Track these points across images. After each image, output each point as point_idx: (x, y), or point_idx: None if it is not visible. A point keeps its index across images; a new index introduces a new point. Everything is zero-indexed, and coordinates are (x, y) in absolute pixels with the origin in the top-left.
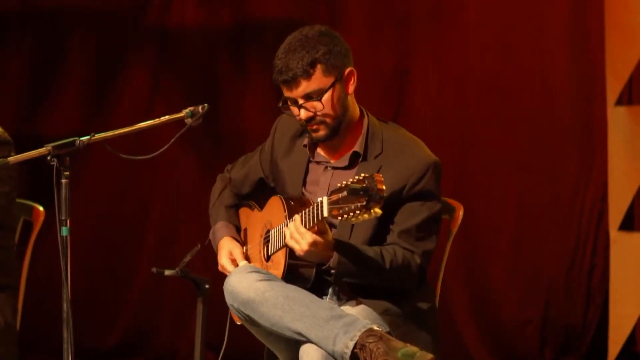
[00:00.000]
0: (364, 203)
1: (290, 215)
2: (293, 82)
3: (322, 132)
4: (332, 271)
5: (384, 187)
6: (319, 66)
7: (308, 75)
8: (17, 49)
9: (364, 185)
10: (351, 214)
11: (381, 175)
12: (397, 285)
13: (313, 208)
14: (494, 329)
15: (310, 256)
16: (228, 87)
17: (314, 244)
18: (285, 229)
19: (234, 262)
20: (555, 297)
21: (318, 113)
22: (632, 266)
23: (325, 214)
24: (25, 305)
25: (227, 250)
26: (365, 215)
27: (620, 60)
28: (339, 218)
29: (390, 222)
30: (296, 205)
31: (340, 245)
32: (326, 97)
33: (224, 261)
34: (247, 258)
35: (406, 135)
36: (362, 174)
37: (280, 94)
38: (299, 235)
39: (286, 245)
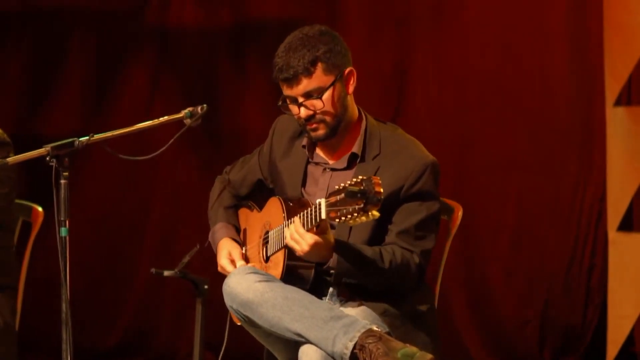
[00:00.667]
0: (362, 206)
1: (289, 216)
2: (294, 80)
3: (321, 132)
4: (332, 271)
5: (382, 190)
6: (319, 64)
7: (309, 73)
8: (17, 49)
9: (362, 187)
10: (349, 216)
11: (379, 178)
12: (396, 284)
13: (311, 210)
14: (493, 329)
15: (310, 256)
16: (227, 87)
17: (314, 244)
18: (285, 229)
19: (233, 263)
20: (554, 297)
21: (318, 111)
22: (630, 267)
23: (323, 216)
24: (24, 305)
25: (226, 251)
26: (363, 218)
27: (619, 60)
28: (337, 220)
29: (388, 222)
30: (295, 206)
31: (340, 245)
32: (326, 95)
33: (223, 262)
34: (246, 259)
35: (404, 135)
36: (360, 177)
37: (279, 94)
38: (298, 236)
39: (285, 246)
